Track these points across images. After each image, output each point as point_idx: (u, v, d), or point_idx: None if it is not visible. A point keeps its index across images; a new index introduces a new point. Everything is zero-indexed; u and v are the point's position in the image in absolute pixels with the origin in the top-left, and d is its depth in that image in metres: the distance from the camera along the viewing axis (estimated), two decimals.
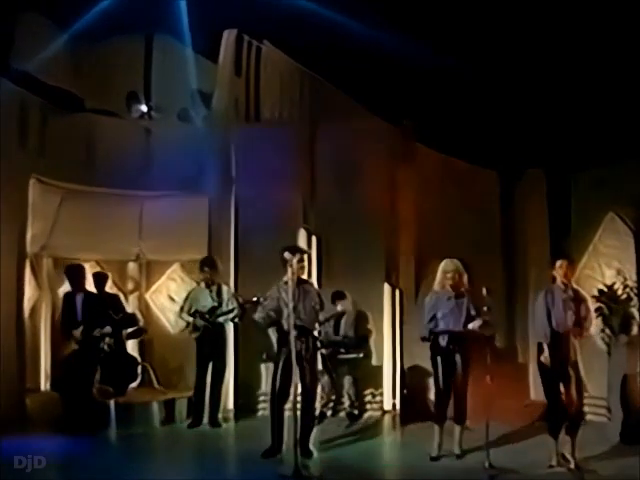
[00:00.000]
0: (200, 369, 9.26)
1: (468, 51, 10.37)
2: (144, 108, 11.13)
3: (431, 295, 7.65)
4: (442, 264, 7.64)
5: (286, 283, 7.49)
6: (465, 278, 7.58)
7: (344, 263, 10.03)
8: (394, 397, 9.95)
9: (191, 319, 9.30)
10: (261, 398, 9.94)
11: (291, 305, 7.24)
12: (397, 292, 10.18)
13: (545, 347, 6.91)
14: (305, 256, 7.83)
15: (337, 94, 11.21)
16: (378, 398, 9.87)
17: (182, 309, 9.46)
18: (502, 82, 10.08)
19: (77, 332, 8.78)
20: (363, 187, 10.23)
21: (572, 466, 6.73)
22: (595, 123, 9.33)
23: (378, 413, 9.74)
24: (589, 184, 9.48)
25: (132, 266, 11.12)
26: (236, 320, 9.33)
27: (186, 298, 9.51)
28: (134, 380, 9.74)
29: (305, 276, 8.07)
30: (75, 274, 9.21)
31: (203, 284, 9.40)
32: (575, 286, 7.05)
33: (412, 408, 9.62)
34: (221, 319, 9.26)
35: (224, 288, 9.42)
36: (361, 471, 7.33)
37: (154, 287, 11.10)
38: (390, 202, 10.31)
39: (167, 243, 10.73)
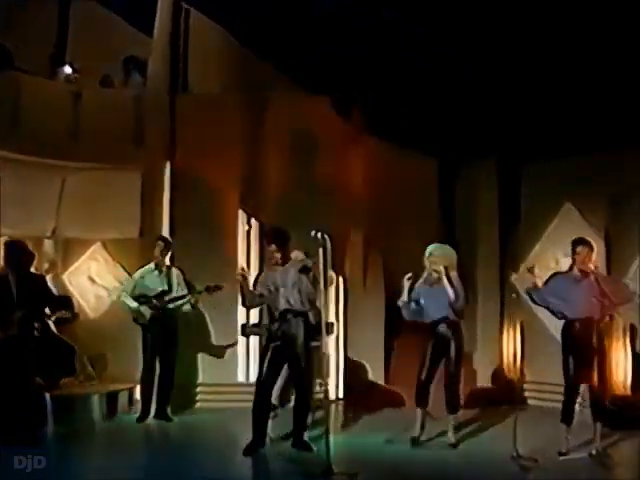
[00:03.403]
0: (147, 359, 8.49)
1: (419, 36, 10.21)
2: (68, 70, 10.16)
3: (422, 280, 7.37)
4: (429, 248, 7.43)
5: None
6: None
7: None
8: (337, 387, 9.66)
9: (135, 304, 8.50)
10: (198, 389, 9.42)
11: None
12: (341, 279, 9.93)
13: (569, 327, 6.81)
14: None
15: (277, 74, 10.81)
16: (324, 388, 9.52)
17: (125, 292, 8.70)
18: (455, 71, 9.99)
19: (14, 316, 7.46)
20: (307, 169, 9.79)
21: (594, 452, 6.58)
22: (552, 114, 9.37)
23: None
24: (542, 175, 9.51)
25: (48, 243, 10.12)
26: (187, 308, 8.61)
27: (130, 279, 8.80)
28: (72, 372, 8.57)
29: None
30: (16, 251, 7.79)
31: (152, 265, 8.65)
32: (596, 272, 7.00)
33: (357, 398, 9.43)
34: (171, 305, 8.49)
35: (174, 271, 8.67)
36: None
37: (72, 267, 10.09)
38: (336, 186, 9.91)
39: (89, 220, 9.81)
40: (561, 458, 6.63)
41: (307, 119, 9.88)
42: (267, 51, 10.51)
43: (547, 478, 6.36)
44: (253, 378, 9.74)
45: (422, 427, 7.32)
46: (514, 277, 8.89)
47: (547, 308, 7.03)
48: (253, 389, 9.14)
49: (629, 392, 8.27)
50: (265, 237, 7.40)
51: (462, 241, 9.99)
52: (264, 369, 7.19)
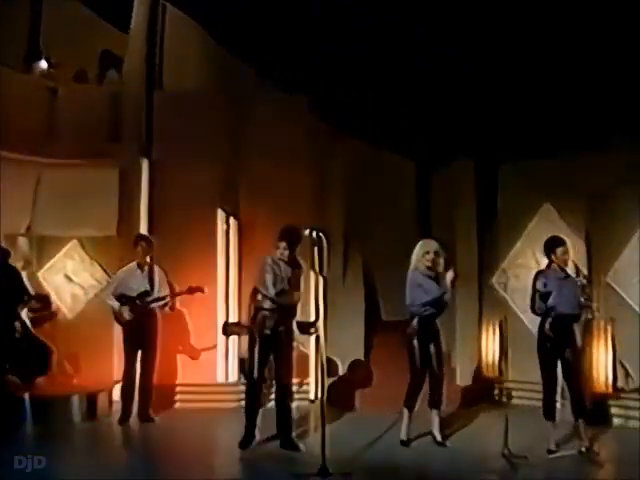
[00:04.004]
0: (128, 359, 8.36)
1: (395, 37, 10.18)
2: (44, 64, 9.98)
3: (412, 274, 7.34)
4: (419, 245, 7.41)
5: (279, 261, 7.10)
6: (442, 259, 7.37)
7: (265, 248, 9.37)
8: (316, 387, 9.60)
9: (117, 304, 8.37)
10: (177, 390, 9.30)
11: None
12: (320, 279, 9.85)
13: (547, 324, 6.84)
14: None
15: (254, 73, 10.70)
16: (305, 387, 9.40)
17: (105, 291, 8.63)
18: (432, 72, 9.98)
19: None
20: (286, 168, 9.65)
21: (583, 449, 6.61)
22: (530, 115, 9.36)
23: (305, 403, 9.26)
24: (520, 175, 9.52)
25: (22, 241, 9.88)
26: (166, 309, 8.55)
27: (112, 279, 8.69)
28: (45, 371, 8.40)
29: None
30: None
31: (134, 264, 8.51)
32: (573, 271, 7.06)
33: (339, 398, 9.32)
34: (152, 305, 8.38)
35: (156, 270, 8.55)
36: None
37: (48, 265, 9.93)
38: (316, 185, 9.90)
39: (64, 217, 9.70)
40: (550, 456, 6.71)
41: (285, 119, 9.81)
42: (243, 50, 10.48)
43: (537, 476, 6.37)
44: (232, 378, 9.83)
45: (409, 429, 7.28)
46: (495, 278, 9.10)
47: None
48: (232, 389, 9.54)
49: (610, 390, 8.34)
50: (279, 233, 7.25)
51: (440, 241, 10.16)
52: (255, 366, 7.18)
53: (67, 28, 10.58)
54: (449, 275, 7.17)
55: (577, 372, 6.90)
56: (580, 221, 8.97)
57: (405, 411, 7.33)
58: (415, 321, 7.24)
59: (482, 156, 9.82)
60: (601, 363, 8.33)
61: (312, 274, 9.78)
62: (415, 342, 7.24)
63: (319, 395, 9.72)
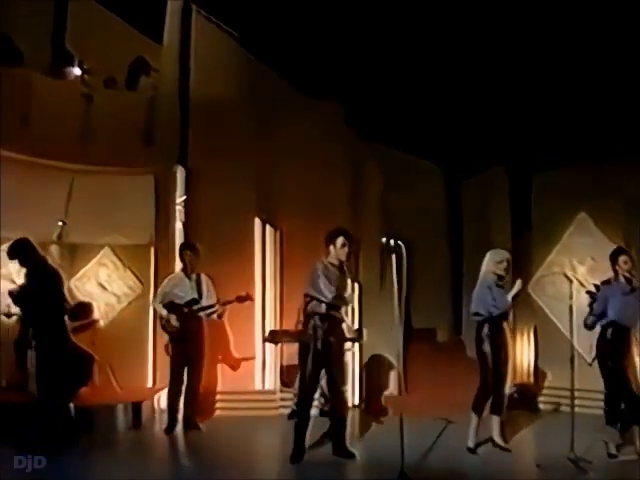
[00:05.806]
0: (175, 368, 8.27)
1: (431, 42, 10.25)
2: (77, 71, 9.91)
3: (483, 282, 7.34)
4: (490, 254, 7.40)
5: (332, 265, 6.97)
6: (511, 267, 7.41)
7: (304, 256, 8.97)
8: (353, 393, 9.63)
9: (165, 312, 8.30)
10: (217, 397, 9.24)
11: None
12: (356, 285, 9.91)
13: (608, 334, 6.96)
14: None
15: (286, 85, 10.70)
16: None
17: (155, 299, 8.53)
18: (465, 79, 10.07)
19: None
20: (323, 176, 9.69)
21: None
22: (565, 122, 9.47)
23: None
24: (553, 184, 9.63)
25: (54, 248, 9.76)
26: (214, 317, 8.46)
27: (161, 287, 8.53)
28: (86, 382, 8.14)
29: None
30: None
31: (181, 272, 8.47)
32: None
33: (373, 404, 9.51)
34: (200, 314, 8.34)
35: (204, 278, 8.45)
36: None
37: (80, 273, 9.85)
38: (351, 192, 9.99)
39: (97, 224, 9.61)
40: (612, 460, 6.81)
41: (319, 125, 9.82)
42: (275, 57, 10.48)
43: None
44: (269, 386, 9.74)
45: (477, 435, 7.31)
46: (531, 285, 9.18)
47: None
48: (270, 397, 9.52)
49: None
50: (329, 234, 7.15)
51: (474, 250, 10.06)
52: (307, 375, 7.06)
53: (97, 35, 10.60)
54: (517, 285, 7.26)
55: (631, 379, 6.97)
56: (617, 230, 9.07)
57: (474, 416, 7.28)
58: (486, 327, 7.22)
59: (516, 164, 9.94)
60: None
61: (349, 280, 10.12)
62: (487, 349, 7.23)
63: (357, 402, 9.99)
